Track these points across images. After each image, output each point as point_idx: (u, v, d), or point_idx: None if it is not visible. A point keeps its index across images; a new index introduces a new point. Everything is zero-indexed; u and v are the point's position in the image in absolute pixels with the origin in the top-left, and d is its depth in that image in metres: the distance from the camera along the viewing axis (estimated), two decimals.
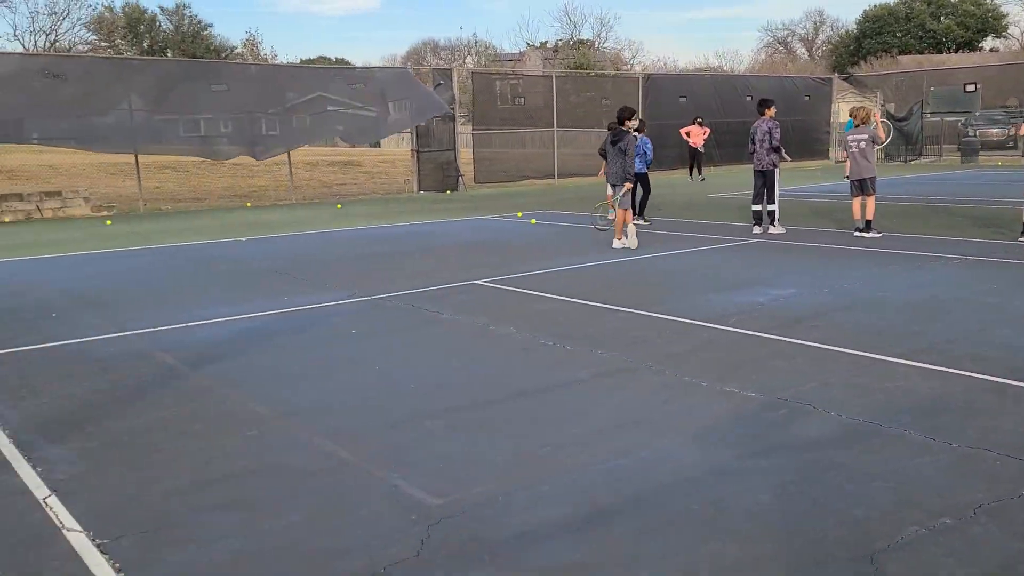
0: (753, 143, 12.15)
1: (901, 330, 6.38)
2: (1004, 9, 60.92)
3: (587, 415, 4.69)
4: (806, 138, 29.87)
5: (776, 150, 11.96)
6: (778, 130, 12.08)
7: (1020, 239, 10.67)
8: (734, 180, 23.36)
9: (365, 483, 3.86)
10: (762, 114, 12.12)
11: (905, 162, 29.75)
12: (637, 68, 55.96)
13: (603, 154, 11.67)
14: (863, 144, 11.31)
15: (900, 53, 59.92)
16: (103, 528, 3.45)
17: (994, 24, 62.55)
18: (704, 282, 8.62)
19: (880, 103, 30.43)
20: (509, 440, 4.34)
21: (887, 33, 62.89)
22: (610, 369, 5.57)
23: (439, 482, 3.83)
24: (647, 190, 13.99)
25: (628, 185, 10.92)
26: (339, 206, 19.09)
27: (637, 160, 13.76)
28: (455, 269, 9.82)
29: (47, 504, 3.71)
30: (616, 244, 11.14)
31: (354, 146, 36.16)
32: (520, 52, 70.94)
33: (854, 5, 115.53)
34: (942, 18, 62.06)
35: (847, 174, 11.73)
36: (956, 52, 59.76)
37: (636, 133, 13.76)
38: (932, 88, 29.53)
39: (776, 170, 12.15)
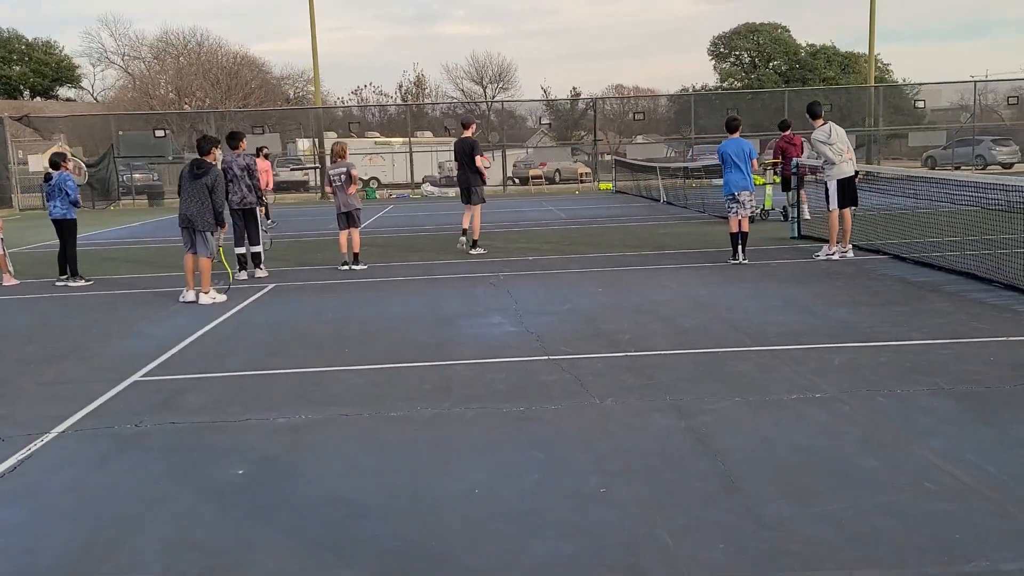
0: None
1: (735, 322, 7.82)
2: (77, 61, 62.92)
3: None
4: None
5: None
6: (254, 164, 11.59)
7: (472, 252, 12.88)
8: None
9: None
10: (234, 148, 11.33)
11: (106, 208, 29.19)
12: None
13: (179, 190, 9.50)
14: (344, 177, 11.74)
15: None
16: None
17: (68, 75, 64.26)
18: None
19: (62, 144, 29.08)
20: None
21: None
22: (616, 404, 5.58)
23: None
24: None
25: (223, 230, 9.32)
26: None
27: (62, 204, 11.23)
28: (71, 366, 6.95)
29: None
30: (205, 299, 9.22)
31: None
32: None
33: None
34: (16, 65, 60.91)
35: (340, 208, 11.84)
36: (35, 98, 59.65)
37: (63, 168, 11.33)
38: (122, 132, 29.51)
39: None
